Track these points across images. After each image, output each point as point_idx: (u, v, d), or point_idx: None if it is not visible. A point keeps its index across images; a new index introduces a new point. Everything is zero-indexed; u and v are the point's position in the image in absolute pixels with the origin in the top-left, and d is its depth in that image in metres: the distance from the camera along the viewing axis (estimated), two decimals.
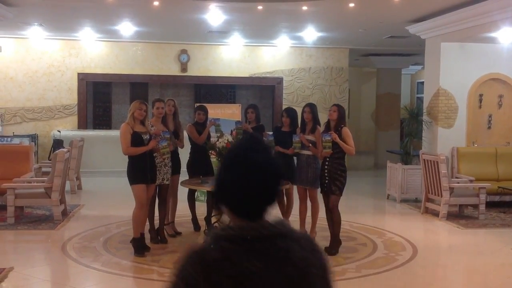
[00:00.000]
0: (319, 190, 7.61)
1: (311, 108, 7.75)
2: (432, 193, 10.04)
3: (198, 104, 9.05)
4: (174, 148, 7.73)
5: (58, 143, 13.51)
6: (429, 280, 6.44)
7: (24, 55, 14.79)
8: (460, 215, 9.98)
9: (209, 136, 8.44)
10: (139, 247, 7.05)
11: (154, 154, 7.21)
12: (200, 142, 8.24)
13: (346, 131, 7.25)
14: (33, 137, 14.36)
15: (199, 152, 8.33)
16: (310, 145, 7.53)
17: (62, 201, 9.37)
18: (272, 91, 15.96)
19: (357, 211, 10.31)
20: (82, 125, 15.04)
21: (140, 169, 6.97)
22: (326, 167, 7.32)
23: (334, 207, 7.31)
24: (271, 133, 8.29)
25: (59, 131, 14.24)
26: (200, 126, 8.41)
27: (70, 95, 15.03)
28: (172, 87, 16.74)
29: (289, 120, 8.10)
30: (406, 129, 11.98)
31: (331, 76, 15.83)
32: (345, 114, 7.43)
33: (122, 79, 15.71)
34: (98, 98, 16.52)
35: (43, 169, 11.29)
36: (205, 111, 8.56)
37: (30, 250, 7.59)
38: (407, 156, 11.53)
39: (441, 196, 9.68)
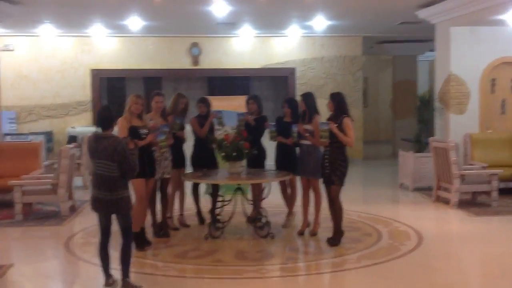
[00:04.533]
0: (321, 180, 7.50)
1: (303, 97, 7.69)
2: (443, 181, 9.85)
3: (200, 97, 8.97)
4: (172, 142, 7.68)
5: (72, 140, 13.62)
6: (428, 270, 6.28)
7: (37, 53, 14.92)
8: (473, 203, 9.78)
9: (212, 129, 8.39)
10: (140, 241, 7.03)
11: (153, 148, 7.18)
12: (201, 135, 8.20)
13: (346, 121, 7.10)
14: (49, 134, 14.52)
15: (202, 145, 8.29)
16: (307, 134, 7.43)
17: (70, 196, 9.44)
18: (285, 82, 15.84)
19: (367, 201, 10.19)
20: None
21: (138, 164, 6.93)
22: (326, 157, 7.22)
23: (335, 198, 7.20)
24: (273, 123, 8.19)
25: (74, 127, 14.36)
26: (203, 118, 8.37)
27: (84, 91, 15.12)
28: (186, 80, 16.72)
29: (291, 110, 8.01)
30: (418, 117, 11.77)
31: (344, 64, 15.67)
32: (344, 102, 7.23)
33: (135, 74, 15.77)
34: (112, 93, 16.58)
35: (56, 166, 11.36)
36: (207, 104, 8.50)
37: (33, 247, 7.64)
38: (419, 144, 11.33)
39: (452, 184, 9.50)
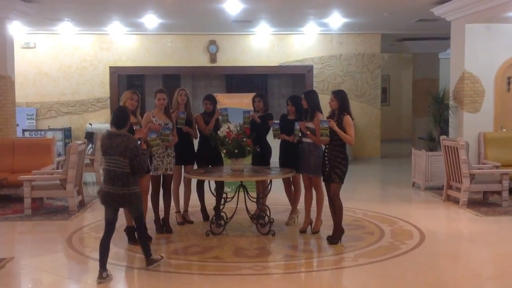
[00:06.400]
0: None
1: (306, 95, 7.65)
2: (453, 180, 9.71)
3: (206, 94, 9.01)
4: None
5: (89, 136, 13.78)
6: (424, 269, 6.17)
7: (58, 50, 15.16)
8: (483, 203, 9.62)
9: (218, 127, 8.37)
10: (132, 235, 7.08)
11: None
12: (206, 132, 8.22)
13: (347, 119, 7.05)
14: (67, 131, 14.73)
15: (208, 142, 8.30)
16: (308, 132, 7.39)
17: (79, 192, 9.57)
18: (303, 80, 15.78)
19: (377, 200, 10.11)
20: None
21: None
22: (326, 155, 7.18)
23: (334, 196, 7.15)
24: (277, 121, 8.18)
25: (91, 124, 14.54)
26: (208, 116, 8.40)
27: (102, 89, 15.31)
28: (204, 78, 16.79)
29: (294, 108, 8.00)
30: (432, 115, 11.62)
31: (363, 62, 15.55)
32: (346, 100, 7.19)
33: (153, 72, 15.90)
34: None
35: None
36: (213, 101, 8.52)
37: (37, 241, 7.74)
38: (432, 142, 11.18)
39: (462, 183, 9.35)
